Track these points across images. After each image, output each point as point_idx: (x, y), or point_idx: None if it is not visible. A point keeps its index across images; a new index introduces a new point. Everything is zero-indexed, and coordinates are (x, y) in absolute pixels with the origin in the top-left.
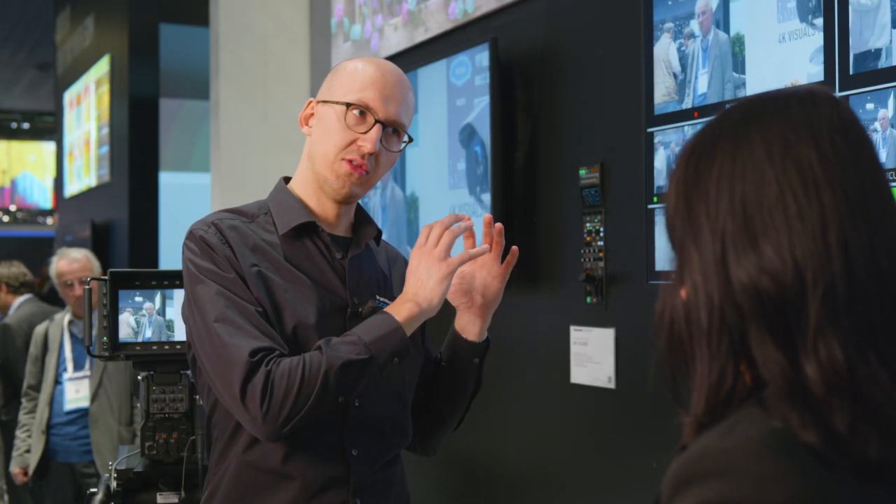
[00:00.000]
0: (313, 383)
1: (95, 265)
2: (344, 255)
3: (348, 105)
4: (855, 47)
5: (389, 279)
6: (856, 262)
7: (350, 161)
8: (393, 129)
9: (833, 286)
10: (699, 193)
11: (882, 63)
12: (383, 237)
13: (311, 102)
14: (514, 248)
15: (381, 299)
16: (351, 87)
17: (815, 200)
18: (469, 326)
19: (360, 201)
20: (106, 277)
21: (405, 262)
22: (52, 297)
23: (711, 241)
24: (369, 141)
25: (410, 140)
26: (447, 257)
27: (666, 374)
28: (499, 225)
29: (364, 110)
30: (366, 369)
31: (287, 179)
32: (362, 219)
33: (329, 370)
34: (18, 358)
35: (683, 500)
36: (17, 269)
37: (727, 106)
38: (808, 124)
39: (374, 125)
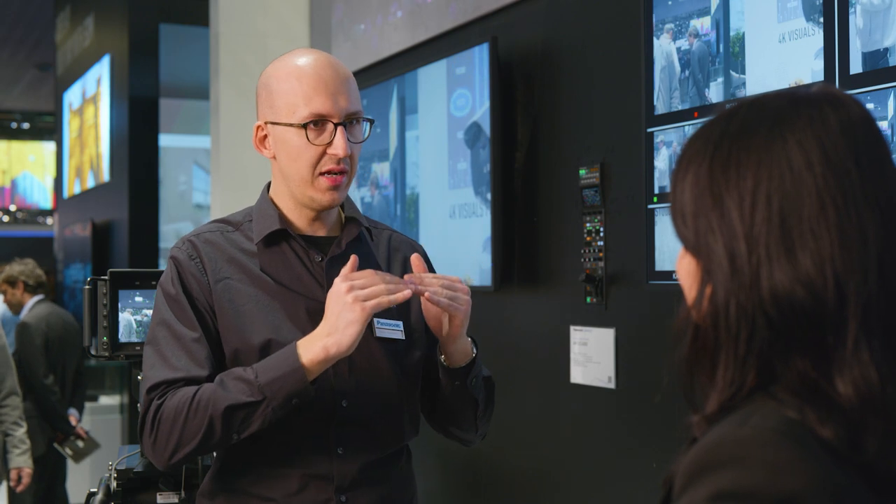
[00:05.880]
0: (199, 424)
1: None
2: (324, 258)
3: (304, 125)
4: (856, 48)
5: (387, 271)
6: (890, 279)
7: (328, 173)
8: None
9: (871, 302)
10: (731, 197)
11: (882, 63)
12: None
13: (258, 126)
14: (415, 255)
15: None
16: (296, 101)
17: (855, 214)
18: (442, 349)
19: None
20: (106, 277)
21: (412, 248)
22: None
23: (746, 249)
24: (339, 148)
25: (372, 122)
26: (366, 301)
27: (683, 377)
28: (414, 256)
29: (319, 120)
30: (255, 412)
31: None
32: (350, 215)
33: (214, 414)
34: (36, 355)
35: (698, 488)
36: (33, 267)
37: (727, 106)
38: (844, 132)
39: (336, 130)
